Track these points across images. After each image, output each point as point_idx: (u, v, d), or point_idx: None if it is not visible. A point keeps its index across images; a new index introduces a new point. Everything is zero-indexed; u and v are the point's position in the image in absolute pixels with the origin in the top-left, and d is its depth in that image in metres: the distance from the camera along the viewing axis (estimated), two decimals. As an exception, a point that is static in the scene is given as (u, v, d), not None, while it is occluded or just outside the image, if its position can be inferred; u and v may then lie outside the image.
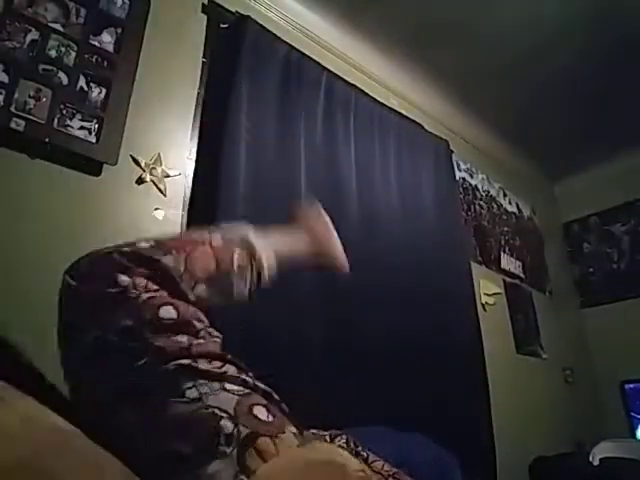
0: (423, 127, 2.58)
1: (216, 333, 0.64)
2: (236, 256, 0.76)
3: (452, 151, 2.72)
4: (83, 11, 1.42)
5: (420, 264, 2.07)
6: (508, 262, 2.93)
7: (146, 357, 0.54)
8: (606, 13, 2.23)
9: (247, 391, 0.55)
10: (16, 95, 1.23)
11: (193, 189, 1.56)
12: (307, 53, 2.05)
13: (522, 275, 3.01)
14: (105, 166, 1.36)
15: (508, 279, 2.88)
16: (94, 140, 1.33)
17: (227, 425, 0.49)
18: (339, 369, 1.59)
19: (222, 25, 1.82)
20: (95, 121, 1.35)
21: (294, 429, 0.54)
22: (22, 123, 1.21)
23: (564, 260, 3.55)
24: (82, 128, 1.32)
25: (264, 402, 0.55)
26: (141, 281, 0.61)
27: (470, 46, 2.43)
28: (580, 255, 3.53)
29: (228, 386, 0.54)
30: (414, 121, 2.53)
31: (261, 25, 1.86)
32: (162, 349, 0.55)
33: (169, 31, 1.67)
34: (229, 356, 0.60)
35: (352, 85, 2.22)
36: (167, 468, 0.49)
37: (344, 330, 1.66)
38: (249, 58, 1.75)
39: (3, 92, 1.21)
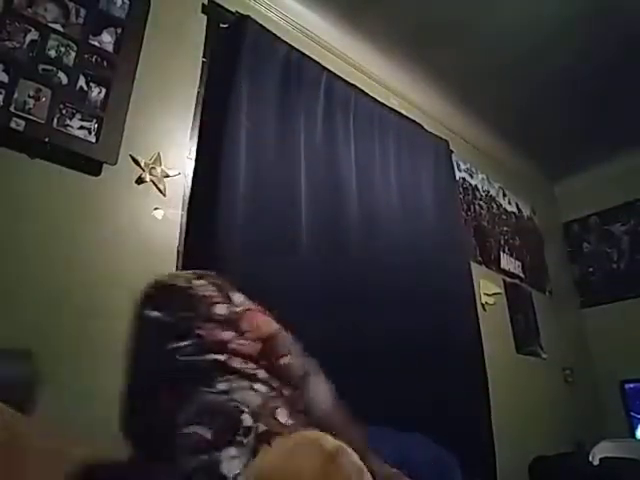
0: (423, 127, 2.58)
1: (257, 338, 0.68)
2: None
3: (452, 151, 2.72)
4: (83, 11, 1.41)
5: (420, 264, 2.07)
6: (508, 262, 2.93)
7: (189, 340, 0.61)
8: (606, 13, 2.23)
9: (273, 394, 0.60)
10: (16, 95, 1.23)
11: (193, 189, 1.56)
12: (307, 53, 2.05)
13: (522, 275, 3.01)
14: (105, 166, 1.36)
15: (508, 279, 2.88)
16: (94, 140, 1.33)
17: (247, 419, 0.54)
18: (339, 369, 1.59)
19: (222, 25, 1.82)
20: (95, 121, 1.35)
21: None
22: (22, 123, 1.21)
23: (564, 260, 3.55)
24: (82, 128, 1.32)
25: (287, 407, 0.59)
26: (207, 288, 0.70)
27: (470, 46, 2.43)
28: (580, 255, 3.53)
29: (256, 386, 0.59)
30: (414, 121, 2.53)
31: (261, 25, 1.86)
32: (204, 337, 0.61)
33: (169, 31, 1.67)
34: (264, 361, 0.65)
35: (352, 85, 2.22)
36: (188, 448, 0.54)
37: (344, 330, 1.66)
38: (249, 58, 1.75)
39: (3, 92, 1.21)
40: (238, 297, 0.74)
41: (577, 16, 2.25)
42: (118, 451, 1.06)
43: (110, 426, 1.15)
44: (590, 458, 2.24)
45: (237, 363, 0.61)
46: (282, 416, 0.57)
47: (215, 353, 0.61)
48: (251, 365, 0.62)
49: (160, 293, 0.72)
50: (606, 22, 2.29)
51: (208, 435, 0.54)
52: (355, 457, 0.55)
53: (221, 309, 0.67)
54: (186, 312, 0.66)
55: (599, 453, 2.25)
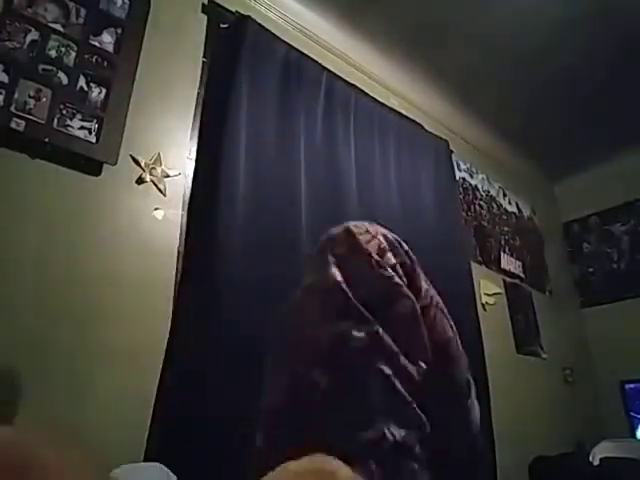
0: (423, 127, 2.58)
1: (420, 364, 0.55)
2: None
3: (452, 151, 2.72)
4: (83, 11, 1.42)
5: (420, 264, 2.06)
6: (508, 262, 2.93)
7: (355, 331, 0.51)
8: (607, 13, 2.23)
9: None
10: (16, 95, 1.23)
11: (193, 189, 1.56)
12: (307, 53, 2.05)
13: (522, 275, 3.01)
14: (105, 166, 1.36)
15: (508, 279, 2.88)
16: (94, 140, 1.33)
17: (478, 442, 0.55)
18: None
19: (222, 25, 1.82)
20: (95, 121, 1.35)
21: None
22: (22, 123, 1.21)
23: (564, 260, 3.55)
24: (82, 128, 1.32)
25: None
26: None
27: (470, 46, 2.43)
28: (580, 255, 3.53)
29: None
30: (414, 121, 2.53)
31: (261, 25, 1.86)
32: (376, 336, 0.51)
33: (169, 31, 1.67)
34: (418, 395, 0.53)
35: (352, 85, 2.22)
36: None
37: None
38: (249, 58, 1.75)
39: (3, 92, 1.21)
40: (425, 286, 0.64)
41: (577, 16, 2.25)
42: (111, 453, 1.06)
43: (105, 426, 1.16)
44: (590, 458, 2.24)
45: (400, 384, 0.50)
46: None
47: (384, 363, 0.50)
48: (409, 392, 0.51)
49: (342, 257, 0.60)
50: (606, 22, 2.29)
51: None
52: None
53: (406, 305, 0.55)
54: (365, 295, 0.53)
55: (599, 453, 2.25)
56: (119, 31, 1.47)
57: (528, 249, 3.20)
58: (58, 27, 1.35)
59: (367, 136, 2.16)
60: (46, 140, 1.25)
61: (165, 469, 1.04)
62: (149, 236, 1.41)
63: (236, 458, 0.97)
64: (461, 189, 2.78)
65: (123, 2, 1.51)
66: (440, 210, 2.37)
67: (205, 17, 1.80)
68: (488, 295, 2.61)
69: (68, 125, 1.30)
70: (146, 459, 1.16)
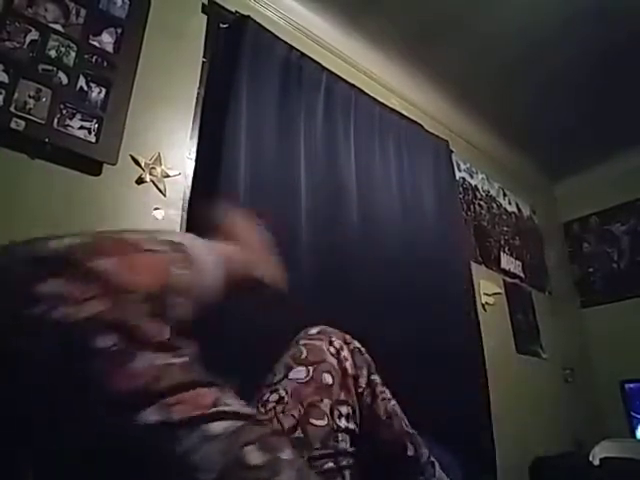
0: (423, 127, 2.58)
1: (184, 350, 0.49)
2: (178, 270, 0.57)
3: (452, 151, 2.72)
4: (83, 11, 1.42)
5: (420, 264, 2.06)
6: (508, 262, 2.92)
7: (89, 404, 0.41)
8: (607, 12, 2.23)
9: (235, 426, 0.44)
10: (16, 95, 1.23)
11: (193, 189, 1.56)
12: (307, 53, 2.05)
13: (522, 275, 3.01)
14: (105, 166, 1.36)
15: (508, 279, 2.88)
16: (94, 140, 1.33)
17: None
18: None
19: (222, 25, 1.82)
20: (95, 121, 1.35)
21: (291, 455, 0.47)
22: (22, 123, 1.21)
23: (564, 260, 3.55)
24: (82, 128, 1.32)
25: (256, 434, 0.45)
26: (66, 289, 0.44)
27: (470, 46, 2.43)
28: (580, 255, 3.53)
29: (212, 429, 0.42)
30: (414, 121, 2.53)
31: (261, 25, 1.86)
32: (112, 390, 0.40)
33: (169, 31, 1.67)
34: (201, 377, 0.47)
35: (352, 85, 2.22)
36: None
37: (343, 330, 1.65)
38: (249, 58, 1.75)
39: (3, 92, 1.21)
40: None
41: (577, 16, 2.25)
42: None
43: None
44: (590, 458, 2.24)
45: (177, 411, 0.43)
46: (253, 456, 0.43)
47: (141, 407, 0.42)
48: (190, 394, 0.45)
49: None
50: (607, 21, 2.29)
51: None
52: None
53: (104, 335, 0.44)
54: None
55: (599, 453, 2.24)
56: (119, 31, 1.47)
57: (528, 249, 3.20)
58: (58, 27, 1.35)
59: (367, 136, 2.16)
60: (46, 140, 1.25)
61: None
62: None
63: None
64: (461, 189, 2.78)
65: (123, 2, 1.51)
66: (440, 210, 2.37)
67: (205, 17, 1.80)
68: (488, 295, 2.61)
69: (68, 125, 1.30)
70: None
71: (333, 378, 0.81)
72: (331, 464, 0.73)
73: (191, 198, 1.54)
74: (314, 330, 0.92)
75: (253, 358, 0.97)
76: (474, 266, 2.55)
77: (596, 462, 2.20)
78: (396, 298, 1.89)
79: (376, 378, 0.91)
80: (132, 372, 0.42)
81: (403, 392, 1.73)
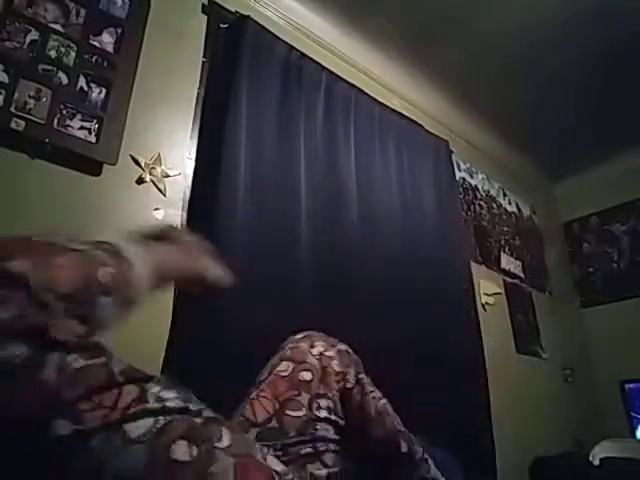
0: (423, 127, 2.58)
1: (102, 350, 0.48)
2: (104, 269, 0.54)
3: (452, 151, 2.72)
4: (83, 11, 1.42)
5: (420, 264, 2.06)
6: (508, 262, 2.92)
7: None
8: (607, 12, 2.23)
9: (164, 421, 0.43)
10: (16, 95, 1.23)
11: (193, 189, 1.56)
12: (307, 53, 2.05)
13: (522, 275, 3.01)
14: (105, 166, 1.36)
15: (508, 279, 2.88)
16: (94, 140, 1.33)
17: None
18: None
19: (222, 25, 1.82)
20: (95, 121, 1.35)
21: (225, 440, 0.47)
22: (22, 123, 1.21)
23: (564, 260, 3.55)
24: (82, 128, 1.32)
25: (184, 427, 0.44)
26: None
27: (470, 46, 2.43)
28: (580, 255, 3.53)
29: (133, 430, 0.41)
30: (414, 121, 2.53)
31: (261, 25, 1.86)
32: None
33: (169, 31, 1.67)
34: (121, 376, 0.45)
35: (352, 85, 2.22)
36: None
37: (343, 330, 1.65)
38: (249, 58, 1.75)
39: (3, 92, 1.21)
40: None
41: (578, 16, 2.24)
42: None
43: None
44: (590, 458, 2.24)
45: (91, 415, 0.42)
46: (180, 449, 0.42)
47: (53, 419, 0.41)
48: (110, 396, 0.43)
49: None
50: (607, 21, 2.29)
51: None
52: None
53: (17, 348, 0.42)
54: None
55: (599, 453, 2.24)
56: (119, 31, 1.47)
57: (528, 249, 3.20)
58: (58, 27, 1.35)
59: (367, 136, 2.16)
60: (46, 140, 1.25)
61: None
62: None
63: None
64: (461, 189, 2.78)
65: (123, 2, 1.51)
66: (440, 210, 2.37)
67: (205, 17, 1.80)
68: (488, 295, 2.61)
69: (68, 125, 1.30)
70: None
71: (313, 375, 0.85)
72: (309, 449, 0.77)
73: (191, 198, 1.54)
74: (300, 335, 0.97)
75: (252, 358, 0.97)
76: (474, 266, 2.55)
77: (596, 462, 2.20)
78: (396, 298, 1.89)
79: (364, 377, 0.94)
80: (41, 381, 0.39)
81: (403, 392, 1.74)
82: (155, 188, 1.46)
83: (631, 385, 2.73)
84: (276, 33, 1.93)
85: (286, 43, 1.96)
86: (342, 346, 0.97)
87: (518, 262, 3.02)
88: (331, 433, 0.81)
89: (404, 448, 0.88)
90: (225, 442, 0.47)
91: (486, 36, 2.37)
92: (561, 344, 3.06)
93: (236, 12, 1.87)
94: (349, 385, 0.89)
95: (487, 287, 2.63)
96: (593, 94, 2.75)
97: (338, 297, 1.68)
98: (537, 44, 2.41)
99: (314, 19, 2.24)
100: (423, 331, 1.92)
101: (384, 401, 0.93)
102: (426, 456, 0.93)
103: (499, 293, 2.72)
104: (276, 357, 0.92)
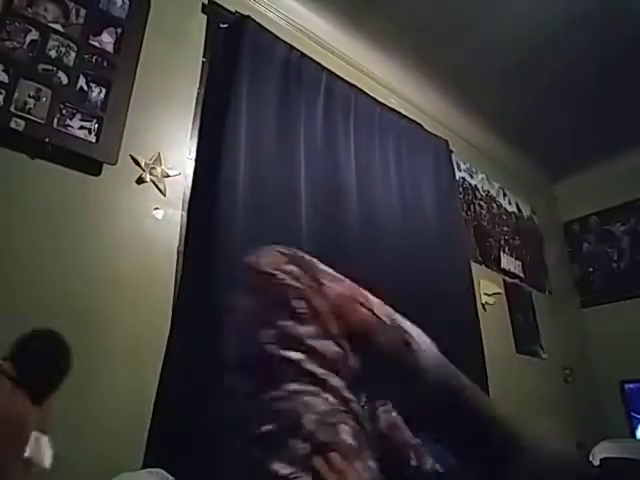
0: (423, 127, 2.58)
1: (345, 345, 0.62)
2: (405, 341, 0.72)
3: (452, 151, 2.72)
4: (83, 11, 1.42)
5: (420, 264, 2.06)
6: (508, 262, 2.92)
7: (271, 331, 0.58)
8: (608, 14, 2.23)
9: (342, 408, 0.54)
10: (16, 95, 1.23)
11: (193, 189, 1.56)
12: (307, 53, 2.05)
13: (522, 275, 3.01)
14: (105, 166, 1.36)
15: (508, 279, 2.88)
16: (94, 140, 1.33)
17: (308, 423, 0.50)
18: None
19: (222, 25, 1.82)
20: (95, 121, 1.35)
21: (371, 463, 0.55)
22: (22, 123, 1.21)
23: (564, 260, 3.55)
24: (82, 128, 1.32)
25: (353, 424, 0.54)
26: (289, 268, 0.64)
27: (470, 46, 2.43)
28: (580, 255, 3.53)
29: (325, 395, 0.54)
30: (414, 121, 2.53)
31: (261, 25, 1.86)
32: (284, 330, 0.56)
33: (169, 31, 1.67)
34: (341, 369, 0.58)
35: (352, 85, 2.22)
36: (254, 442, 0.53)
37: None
38: (249, 58, 1.75)
39: (3, 92, 1.21)
40: (329, 280, 0.70)
41: (577, 16, 2.24)
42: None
43: (106, 425, 1.16)
44: (590, 458, 2.24)
45: (310, 365, 0.56)
46: (345, 432, 0.53)
47: (292, 350, 0.56)
48: (324, 370, 0.56)
49: (249, 277, 0.68)
50: (606, 22, 2.29)
51: (272, 429, 0.52)
52: None
53: (301, 303, 0.61)
54: (269, 303, 0.62)
55: (599, 453, 2.24)
56: (119, 31, 1.47)
57: (528, 249, 3.20)
58: (58, 27, 1.35)
59: (367, 136, 2.16)
60: (46, 140, 1.25)
61: (166, 474, 1.04)
62: (149, 236, 1.41)
63: (237, 460, 0.97)
64: (461, 189, 2.78)
65: (123, 2, 1.51)
66: (440, 210, 2.37)
67: (205, 17, 1.80)
68: (488, 295, 2.61)
69: (68, 125, 1.30)
70: (146, 458, 1.16)
71: None
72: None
73: (191, 198, 1.54)
74: None
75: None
76: (474, 266, 2.55)
77: (596, 462, 2.20)
78: (396, 298, 1.88)
79: None
80: (298, 329, 0.57)
81: (402, 394, 1.73)
82: (155, 188, 1.46)
83: (631, 385, 2.73)
84: (276, 33, 1.93)
85: (286, 43, 1.96)
86: None
87: (518, 262, 3.02)
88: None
89: (414, 461, 0.88)
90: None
91: (486, 36, 2.37)
92: (561, 344, 3.06)
93: (236, 12, 1.86)
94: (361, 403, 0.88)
95: (487, 287, 2.63)
96: (593, 95, 2.75)
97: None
98: (538, 44, 2.41)
99: (314, 19, 2.24)
100: (423, 331, 1.92)
101: (394, 414, 0.92)
102: (436, 467, 0.92)
103: (499, 293, 2.72)
104: None
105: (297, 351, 0.56)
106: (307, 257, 0.73)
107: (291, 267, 0.65)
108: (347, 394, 0.57)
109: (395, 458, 0.87)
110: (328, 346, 0.59)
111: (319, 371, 0.56)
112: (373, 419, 0.87)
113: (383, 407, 0.89)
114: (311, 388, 0.54)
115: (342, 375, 0.58)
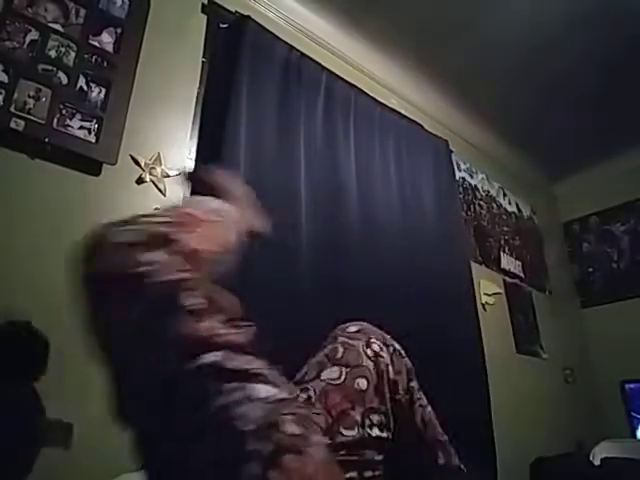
0: (423, 127, 2.58)
1: (246, 322, 0.55)
2: (227, 232, 0.73)
3: (452, 151, 2.72)
4: (83, 11, 1.42)
5: (420, 264, 2.06)
6: (508, 262, 2.92)
7: (162, 345, 0.48)
8: (608, 14, 2.23)
9: (278, 397, 0.48)
10: (16, 95, 1.23)
11: (193, 189, 1.55)
12: (307, 53, 2.05)
13: (522, 275, 3.01)
14: (105, 166, 1.36)
15: (508, 279, 2.88)
16: (94, 140, 1.33)
17: (250, 442, 0.43)
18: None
19: (222, 25, 1.82)
20: (95, 121, 1.35)
21: (321, 438, 0.53)
22: (22, 123, 1.21)
23: (564, 260, 3.55)
24: (82, 128, 1.32)
25: (294, 409, 0.49)
26: (164, 259, 0.53)
27: (470, 46, 2.43)
28: (580, 255, 3.53)
29: (256, 391, 0.46)
30: (414, 121, 2.53)
31: (261, 25, 1.86)
32: (180, 336, 0.47)
33: (169, 31, 1.67)
34: (258, 349, 0.52)
35: (352, 85, 2.22)
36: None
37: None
38: (249, 58, 1.75)
39: (3, 92, 1.21)
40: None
41: (577, 16, 2.25)
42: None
43: (106, 425, 1.16)
44: (591, 458, 2.24)
45: (231, 362, 0.47)
46: (290, 426, 0.46)
47: (202, 351, 0.47)
48: (247, 358, 0.49)
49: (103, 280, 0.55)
50: (606, 22, 2.29)
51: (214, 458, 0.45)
52: None
53: (189, 296, 0.51)
54: (142, 306, 0.50)
55: (600, 453, 2.24)
56: (119, 31, 1.47)
57: (528, 249, 3.20)
58: (58, 27, 1.35)
59: (367, 136, 2.16)
60: (46, 140, 1.25)
61: None
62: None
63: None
64: (461, 189, 2.78)
65: (123, 2, 1.51)
66: (440, 210, 2.37)
67: (205, 17, 1.80)
68: (488, 295, 2.61)
69: (68, 125, 1.30)
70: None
71: (368, 383, 0.78)
72: (354, 473, 0.70)
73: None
74: (353, 328, 0.89)
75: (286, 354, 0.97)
76: (474, 266, 2.55)
77: (596, 462, 2.20)
78: (396, 298, 1.89)
79: (415, 384, 0.88)
80: (199, 328, 0.49)
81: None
82: (155, 188, 1.46)
83: (631, 385, 2.73)
84: (276, 33, 1.93)
85: (286, 43, 1.96)
86: (395, 345, 0.90)
87: (518, 262, 3.02)
88: (378, 455, 0.75)
89: (441, 460, 0.84)
90: (318, 439, 0.51)
91: (486, 36, 2.37)
92: (561, 344, 3.06)
93: (236, 12, 1.87)
94: (398, 396, 0.83)
95: (487, 287, 2.63)
96: (593, 95, 2.75)
97: (337, 297, 1.68)
98: (538, 44, 2.41)
99: (314, 19, 2.24)
100: (423, 331, 1.92)
101: (429, 409, 0.88)
102: (462, 467, 0.88)
103: (499, 293, 2.72)
104: (324, 354, 0.85)
105: (209, 351, 0.47)
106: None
107: (154, 253, 0.54)
108: (274, 373, 0.50)
109: (424, 455, 0.85)
110: (237, 333, 0.52)
111: (245, 366, 0.48)
112: (409, 414, 0.83)
113: (419, 401, 0.86)
114: (240, 393, 0.46)
115: (260, 355, 0.51)
